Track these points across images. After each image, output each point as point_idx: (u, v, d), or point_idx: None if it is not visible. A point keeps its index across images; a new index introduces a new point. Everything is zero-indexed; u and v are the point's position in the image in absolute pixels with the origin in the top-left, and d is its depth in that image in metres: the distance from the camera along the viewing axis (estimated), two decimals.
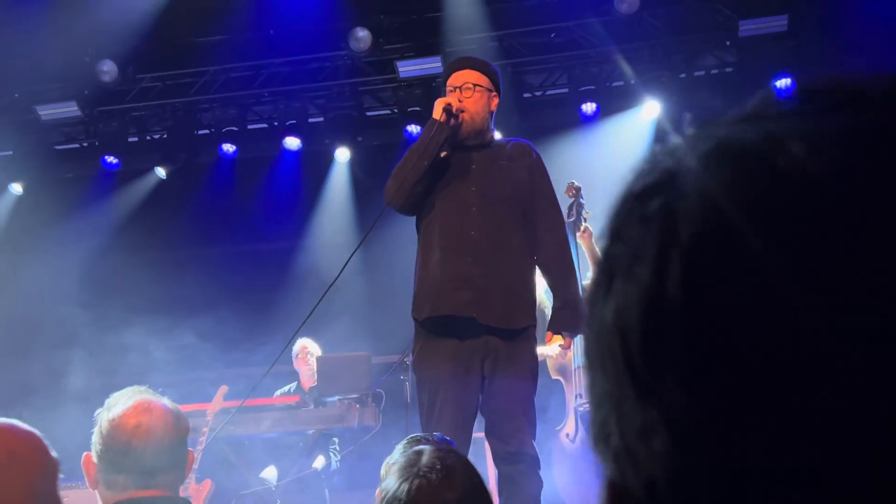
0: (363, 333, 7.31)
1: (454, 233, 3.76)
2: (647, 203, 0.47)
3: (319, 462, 6.12)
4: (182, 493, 5.59)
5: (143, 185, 8.51)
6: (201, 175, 8.46)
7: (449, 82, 3.94)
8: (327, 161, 8.33)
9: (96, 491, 2.07)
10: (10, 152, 8.39)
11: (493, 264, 3.73)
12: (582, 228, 5.64)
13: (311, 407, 6.02)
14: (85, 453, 2.05)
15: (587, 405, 5.00)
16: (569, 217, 5.72)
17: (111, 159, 8.26)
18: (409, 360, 5.56)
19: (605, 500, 0.48)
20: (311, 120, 8.23)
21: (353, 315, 7.52)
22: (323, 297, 4.13)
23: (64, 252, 8.13)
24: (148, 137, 8.53)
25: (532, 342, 3.82)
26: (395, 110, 8.22)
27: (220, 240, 8.44)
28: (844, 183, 0.41)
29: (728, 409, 0.41)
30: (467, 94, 3.85)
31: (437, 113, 3.78)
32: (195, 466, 5.71)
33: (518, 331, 3.72)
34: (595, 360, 0.48)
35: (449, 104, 3.77)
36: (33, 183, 8.47)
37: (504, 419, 3.66)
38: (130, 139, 8.44)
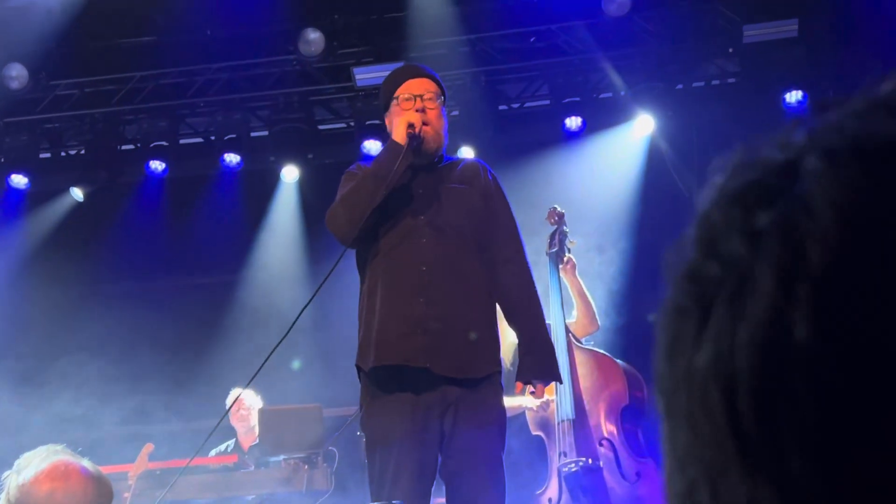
0: (313, 382, 7.27)
1: (402, 268, 3.72)
2: (755, 211, 0.42)
3: None
4: None
5: (57, 209, 8.43)
6: (125, 197, 8.41)
7: (402, 90, 3.88)
8: (272, 181, 8.31)
9: None
10: None
11: (448, 304, 3.69)
12: (565, 260, 5.68)
13: (252, 468, 5.96)
14: None
15: (574, 465, 5.03)
16: (550, 247, 5.77)
17: (19, 178, 8.16)
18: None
19: None
20: (253, 134, 8.22)
21: (301, 361, 7.48)
22: (277, 346, 4.08)
23: None
24: (63, 153, 8.47)
25: (498, 390, 3.78)
26: (352, 123, 8.24)
27: (147, 272, 8.37)
28: None
29: (874, 496, 0.37)
30: (431, 105, 3.82)
31: (401, 134, 3.72)
32: None
33: (480, 379, 3.70)
34: (678, 412, 0.43)
35: (412, 124, 3.71)
36: None
37: (465, 483, 3.63)
38: (42, 155, 8.37)
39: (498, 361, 3.84)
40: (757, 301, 0.40)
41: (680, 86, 7.74)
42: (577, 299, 5.71)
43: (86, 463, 2.07)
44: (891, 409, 0.37)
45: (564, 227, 5.82)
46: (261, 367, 4.16)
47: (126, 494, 5.71)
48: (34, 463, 2.03)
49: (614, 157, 7.87)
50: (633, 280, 7.04)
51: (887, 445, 0.37)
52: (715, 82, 7.93)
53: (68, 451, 2.09)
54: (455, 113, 8.11)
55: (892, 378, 0.37)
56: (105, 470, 5.76)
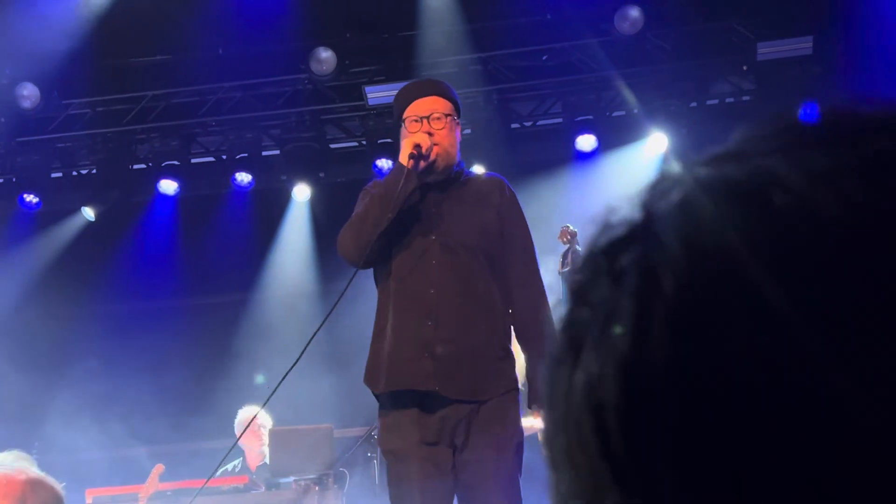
0: (323, 402, 7.26)
1: (412, 291, 3.68)
2: (616, 258, 0.47)
3: None
4: None
5: (68, 228, 8.47)
6: (137, 216, 8.45)
7: (409, 112, 3.78)
8: (284, 200, 8.34)
9: None
10: None
11: (457, 326, 3.65)
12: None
13: (262, 489, 5.95)
14: None
15: None
16: (563, 266, 5.75)
17: (31, 198, 8.21)
18: (376, 433, 5.54)
19: None
20: (265, 153, 8.25)
21: (312, 380, 7.47)
22: (290, 368, 4.08)
23: None
24: (74, 173, 8.52)
25: (513, 407, 3.71)
26: (363, 142, 8.27)
27: (158, 292, 8.39)
28: (858, 217, 0.41)
29: (735, 502, 0.40)
30: (438, 126, 3.73)
31: (405, 156, 3.64)
32: None
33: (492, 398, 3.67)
34: (559, 455, 0.46)
35: (418, 145, 3.61)
36: None
37: (477, 498, 3.60)
38: (54, 174, 8.42)
39: (513, 379, 3.81)
40: (618, 329, 0.43)
41: (694, 103, 7.74)
42: None
43: (33, 472, 2.03)
44: (748, 415, 0.40)
45: (577, 247, 5.80)
46: (276, 388, 4.12)
47: None
48: None
49: (627, 176, 7.86)
50: None
51: (747, 451, 0.40)
52: (729, 100, 7.93)
53: (27, 459, 2.06)
54: (467, 131, 8.13)
55: (750, 387, 0.40)
56: (115, 491, 5.79)
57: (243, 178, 8.12)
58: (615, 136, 7.82)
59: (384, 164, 7.95)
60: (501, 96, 7.98)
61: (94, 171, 8.42)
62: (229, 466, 6.67)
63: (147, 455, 6.84)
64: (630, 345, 0.43)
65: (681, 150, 7.63)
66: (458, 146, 3.83)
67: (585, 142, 7.79)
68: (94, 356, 7.91)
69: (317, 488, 5.72)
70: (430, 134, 3.69)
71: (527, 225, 3.91)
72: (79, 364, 7.78)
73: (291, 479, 5.85)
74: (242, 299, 8.29)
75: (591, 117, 7.89)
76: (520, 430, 3.73)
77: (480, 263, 3.75)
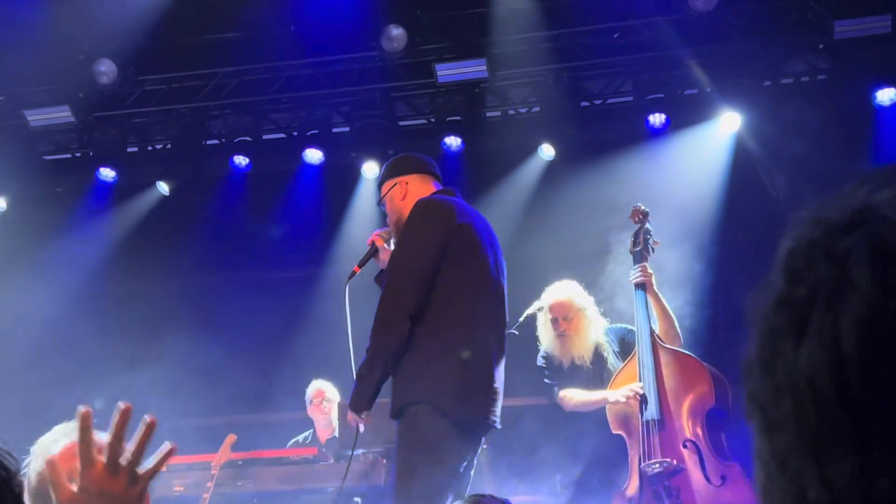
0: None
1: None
2: (834, 244, 0.54)
3: None
4: None
5: (143, 202, 8.65)
6: (209, 191, 8.59)
7: None
8: (353, 177, 8.42)
9: None
10: None
11: None
12: (647, 272, 5.65)
13: (331, 461, 6.06)
14: None
15: (657, 466, 5.00)
16: (634, 246, 5.77)
17: (107, 172, 8.41)
18: None
19: None
20: (335, 130, 8.34)
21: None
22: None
23: (51, 276, 8.29)
24: (150, 147, 8.68)
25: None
26: (432, 119, 8.32)
27: (230, 266, 8.54)
28: None
29: None
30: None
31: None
32: None
33: None
34: (778, 417, 0.53)
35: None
36: (18, 197, 8.65)
37: None
38: (130, 149, 8.59)
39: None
40: (856, 296, 0.50)
41: (768, 82, 7.65)
42: (658, 316, 5.67)
43: (102, 438, 2.08)
44: None
45: (648, 226, 5.82)
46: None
47: (209, 484, 5.87)
48: (49, 447, 2.01)
49: (699, 155, 7.81)
50: (719, 279, 6.99)
51: None
52: (804, 79, 7.82)
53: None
54: (536, 109, 8.15)
55: None
56: (188, 460, 5.95)
57: (313, 155, 8.21)
58: (686, 114, 7.76)
59: (453, 141, 8.01)
60: (572, 74, 7.97)
61: (169, 146, 8.58)
62: (300, 438, 6.81)
63: (220, 425, 7.00)
64: (870, 307, 0.50)
65: (754, 130, 7.55)
66: (404, 202, 4.51)
67: (656, 120, 7.74)
68: (168, 328, 8.10)
69: (384, 461, 5.82)
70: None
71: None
72: (153, 336, 7.97)
73: (360, 451, 5.95)
74: (312, 274, 8.40)
75: (662, 96, 7.84)
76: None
77: None
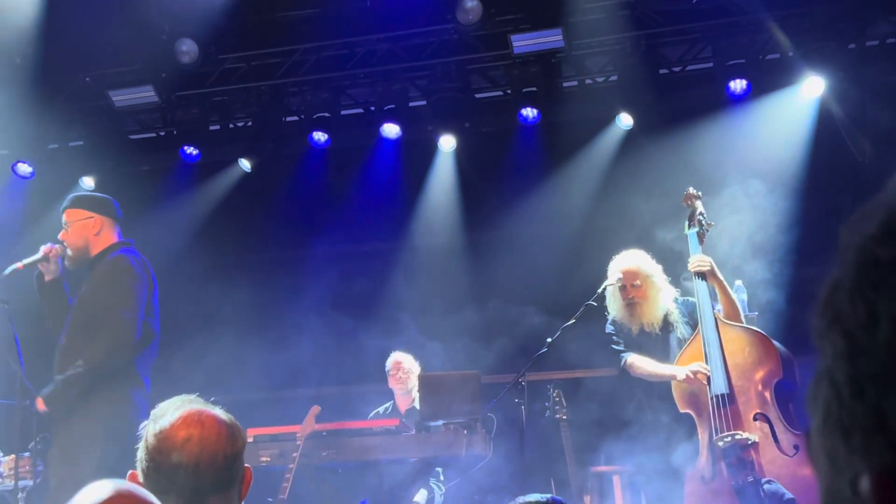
0: (470, 350, 7.38)
1: None
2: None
3: (421, 496, 6.23)
4: None
5: (226, 179, 8.79)
6: (290, 167, 8.69)
7: None
8: (430, 150, 8.44)
9: None
10: (81, 142, 8.81)
11: None
12: (704, 261, 5.55)
13: (412, 432, 6.11)
14: (130, 472, 2.10)
15: (728, 439, 4.94)
16: (689, 227, 5.70)
17: (191, 150, 8.56)
18: (524, 381, 5.62)
19: (877, 492, 0.54)
20: (412, 104, 8.35)
21: (459, 329, 7.61)
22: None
23: (143, 252, 8.48)
24: (231, 125, 8.82)
25: None
26: (508, 91, 8.27)
27: (310, 241, 8.64)
28: None
29: None
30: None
31: None
32: (284, 496, 5.90)
33: None
34: (869, 343, 0.55)
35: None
36: (105, 176, 8.85)
37: None
38: (212, 127, 8.74)
39: None
40: None
41: (852, 45, 7.42)
42: (722, 299, 5.58)
43: (219, 411, 2.15)
44: None
45: (701, 208, 5.76)
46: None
47: (294, 454, 5.97)
48: (169, 412, 2.11)
49: (781, 121, 7.64)
50: (801, 246, 6.85)
51: None
52: (890, 41, 7.57)
53: (200, 401, 2.18)
54: (613, 78, 8.04)
55: None
56: (274, 431, 6.06)
57: (390, 129, 8.24)
58: (768, 80, 7.58)
59: (529, 112, 7.95)
60: (650, 41, 7.84)
61: (250, 123, 8.69)
62: (381, 409, 6.88)
63: (304, 397, 7.10)
64: None
65: (838, 94, 7.35)
66: (97, 238, 5.34)
67: (737, 86, 7.58)
68: (251, 303, 8.24)
69: (465, 432, 5.84)
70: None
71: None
72: (237, 311, 8.11)
73: (441, 422, 5.99)
74: (392, 247, 8.45)
75: (742, 61, 7.67)
76: None
77: None
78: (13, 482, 6.83)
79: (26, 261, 5.34)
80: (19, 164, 8.61)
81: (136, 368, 5.22)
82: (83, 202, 5.47)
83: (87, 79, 8.49)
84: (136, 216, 8.63)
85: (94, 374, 5.07)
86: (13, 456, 6.90)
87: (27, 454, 7.20)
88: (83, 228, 5.36)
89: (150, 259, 8.49)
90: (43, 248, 5.33)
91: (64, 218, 5.43)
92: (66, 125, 8.67)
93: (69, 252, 5.34)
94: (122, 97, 8.38)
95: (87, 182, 8.91)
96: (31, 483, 7.19)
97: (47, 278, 5.30)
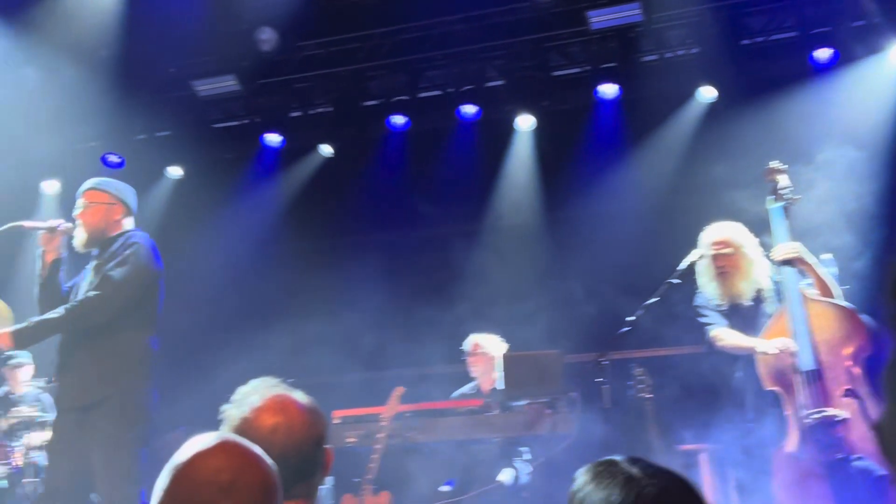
0: (552, 329, 7.37)
1: None
2: None
3: (506, 475, 6.25)
4: None
5: (308, 165, 8.90)
6: (370, 151, 8.76)
7: None
8: (508, 130, 8.42)
9: None
10: (168, 132, 9.01)
11: None
12: (791, 249, 5.41)
13: (496, 411, 6.13)
14: None
15: (817, 416, 4.85)
16: (775, 201, 5.56)
17: (273, 137, 8.69)
18: (605, 360, 5.59)
19: None
20: (489, 84, 8.34)
21: (541, 309, 7.60)
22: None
23: (225, 238, 8.67)
24: (312, 111, 8.92)
25: None
26: (587, 68, 8.19)
27: (392, 224, 8.70)
28: None
29: None
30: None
31: None
32: (370, 477, 5.99)
33: None
34: None
35: None
36: (192, 165, 9.06)
37: None
38: (293, 114, 8.87)
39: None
40: None
41: None
42: (815, 282, 5.44)
43: (299, 396, 2.16)
44: None
45: (785, 182, 5.62)
46: None
47: (380, 435, 6.05)
48: (252, 397, 2.12)
49: (869, 89, 7.43)
50: (893, 215, 6.67)
51: None
52: None
53: (282, 385, 2.18)
54: (694, 51, 7.90)
55: None
56: (359, 412, 6.14)
57: (468, 110, 8.24)
58: (854, 47, 7.37)
59: (608, 89, 7.88)
60: (731, 12, 7.69)
61: (330, 109, 8.77)
62: (464, 389, 6.91)
63: (388, 378, 7.17)
64: None
65: None
66: (116, 223, 5.17)
67: (822, 55, 7.39)
68: (335, 286, 8.34)
69: (549, 411, 5.84)
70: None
71: None
72: (320, 293, 8.23)
73: (524, 402, 6.00)
74: (471, 229, 8.47)
75: (828, 29, 7.47)
76: None
77: None
78: None
79: (33, 223, 5.25)
80: (109, 156, 8.86)
81: (151, 347, 5.12)
82: (109, 187, 5.31)
83: (172, 70, 8.66)
84: (221, 204, 8.85)
85: (71, 322, 4.91)
86: None
87: None
88: (105, 211, 5.20)
89: (236, 244, 8.73)
90: (53, 221, 5.21)
91: (83, 199, 5.23)
92: (152, 116, 8.88)
93: (83, 232, 5.17)
94: (205, 87, 8.55)
95: (174, 171, 9.12)
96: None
97: (49, 257, 5.15)
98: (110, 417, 4.83)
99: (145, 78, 8.61)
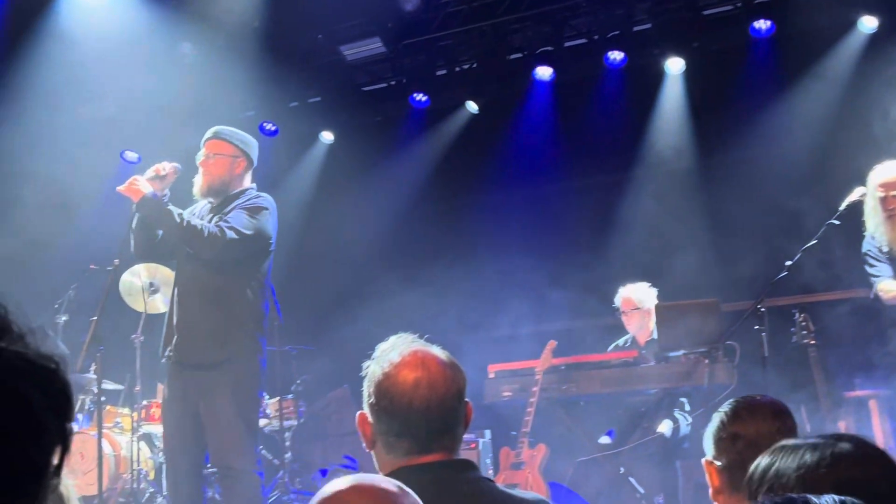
0: (707, 277, 7.22)
1: None
2: None
3: (665, 426, 6.20)
4: (514, 459, 5.93)
5: (455, 123, 8.96)
6: (516, 105, 8.73)
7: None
8: (657, 74, 8.22)
9: (372, 452, 2.17)
10: (319, 98, 9.24)
11: None
12: None
13: (652, 363, 6.09)
14: (359, 412, 2.18)
15: None
16: None
17: (420, 97, 8.78)
18: (763, 307, 5.45)
19: None
20: (636, 28, 8.15)
21: (695, 256, 7.46)
22: None
23: (376, 200, 8.86)
24: (457, 69, 8.95)
25: None
26: (738, 4, 7.90)
27: (540, 177, 8.67)
28: None
29: None
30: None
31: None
32: (526, 430, 6.07)
33: None
34: None
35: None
36: (342, 129, 9.27)
37: None
38: (439, 72, 8.93)
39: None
40: None
41: None
42: None
43: (437, 350, 2.20)
44: None
45: None
46: None
47: (534, 388, 6.12)
48: (392, 353, 2.15)
49: None
50: None
51: None
52: None
53: (420, 340, 2.23)
54: None
55: None
56: (513, 366, 6.21)
57: (615, 56, 8.09)
58: None
59: (762, 25, 7.59)
60: None
61: (475, 65, 8.78)
62: (620, 341, 6.88)
63: (541, 332, 7.20)
64: None
65: None
66: (239, 175, 5.22)
67: None
68: (484, 243, 8.41)
69: (707, 361, 5.76)
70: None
71: None
72: (470, 250, 8.31)
73: (681, 352, 5.94)
74: (622, 178, 8.35)
75: None
76: None
77: None
78: (279, 422, 7.41)
79: (157, 172, 5.05)
80: (265, 124, 9.16)
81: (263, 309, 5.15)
82: (235, 138, 5.25)
83: (319, 36, 8.84)
84: (372, 166, 9.02)
85: (188, 235, 4.89)
86: (277, 398, 7.48)
87: (290, 396, 7.79)
88: (230, 164, 5.17)
89: (385, 205, 8.91)
90: (172, 167, 5.05)
91: (207, 148, 5.19)
92: (303, 83, 9.10)
93: (205, 182, 5.13)
94: (352, 51, 8.72)
95: (327, 136, 9.35)
96: (294, 422, 7.77)
97: (122, 191, 4.97)
98: (230, 377, 4.94)
99: (295, 46, 8.83)
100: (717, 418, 2.37)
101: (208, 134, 5.26)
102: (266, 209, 5.14)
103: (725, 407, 2.39)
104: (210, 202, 5.23)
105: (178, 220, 4.92)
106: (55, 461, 1.03)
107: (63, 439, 1.03)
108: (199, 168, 5.21)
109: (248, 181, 5.28)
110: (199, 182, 5.18)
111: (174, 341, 5.06)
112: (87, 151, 8.40)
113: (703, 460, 2.35)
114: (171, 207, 4.97)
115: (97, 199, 8.13)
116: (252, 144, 5.34)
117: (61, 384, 1.04)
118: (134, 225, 5.08)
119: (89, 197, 8.23)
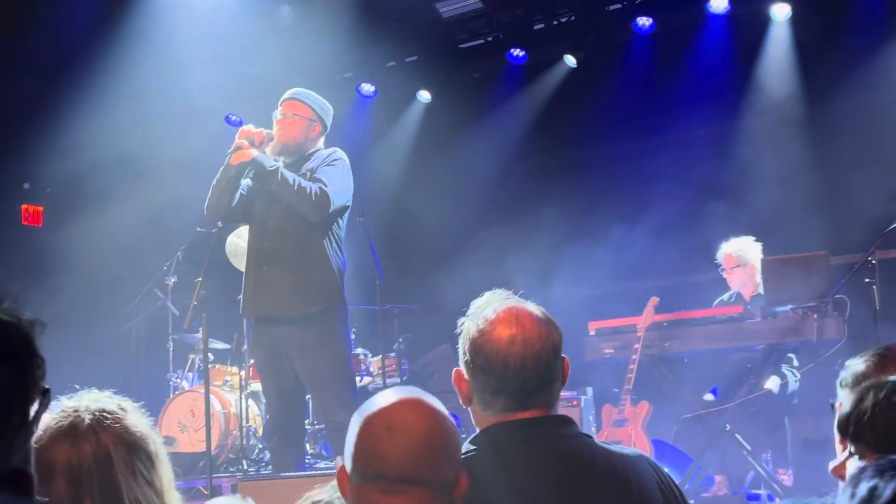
0: (814, 229, 7.05)
1: None
2: None
3: (772, 382, 6.10)
4: (617, 416, 5.93)
5: (553, 77, 8.88)
6: (615, 58, 8.60)
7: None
8: (762, 21, 7.99)
9: (469, 408, 2.19)
10: (416, 57, 9.26)
11: None
12: None
13: (758, 318, 5.99)
14: (455, 369, 2.19)
15: None
16: None
17: (517, 52, 8.71)
18: (874, 259, 5.30)
19: None
20: None
21: (803, 207, 7.28)
22: None
23: (474, 159, 8.86)
24: (555, 22, 8.84)
25: None
26: None
27: (641, 130, 8.54)
28: None
29: None
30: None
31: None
32: (629, 387, 6.05)
33: None
34: None
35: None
36: (439, 88, 9.27)
37: None
38: (536, 27, 8.83)
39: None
40: None
41: None
42: None
43: (532, 306, 2.20)
44: None
45: None
46: None
47: (636, 345, 6.08)
48: (487, 310, 2.15)
49: None
50: None
51: None
52: None
53: (514, 297, 2.23)
54: None
55: None
56: (615, 323, 6.19)
57: (718, 3, 7.89)
58: None
59: None
60: None
61: (573, 17, 8.67)
62: (725, 297, 6.78)
63: (634, 290, 7.15)
64: None
65: None
66: (313, 139, 5.32)
67: None
68: (580, 200, 8.35)
69: (815, 316, 5.65)
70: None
71: None
72: (567, 208, 8.27)
73: (788, 307, 5.82)
74: (726, 129, 8.17)
75: None
76: None
77: None
78: (382, 380, 7.54)
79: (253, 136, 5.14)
80: (363, 85, 9.24)
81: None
82: (313, 102, 5.34)
83: None
84: (469, 124, 9.02)
85: (291, 193, 4.99)
86: (380, 356, 7.61)
87: (393, 354, 7.91)
88: (306, 126, 5.27)
89: (484, 162, 8.91)
90: (264, 131, 5.17)
91: (284, 108, 5.29)
92: (400, 43, 9.13)
93: (279, 142, 5.21)
94: (448, 7, 8.71)
95: (424, 95, 9.37)
96: (398, 380, 7.89)
97: (236, 160, 5.08)
98: (321, 331, 5.07)
99: (391, 5, 8.85)
100: (857, 366, 2.24)
101: (287, 94, 5.36)
102: (347, 165, 5.28)
103: (864, 356, 2.26)
104: (283, 160, 5.28)
105: (292, 181, 5.05)
106: (30, 415, 1.10)
107: (23, 395, 1.09)
108: (274, 126, 5.29)
109: (321, 144, 5.39)
110: (276, 144, 5.25)
111: (259, 297, 5.16)
112: (196, 116, 8.65)
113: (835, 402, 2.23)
114: (277, 168, 5.10)
115: (207, 162, 8.37)
116: (328, 111, 5.43)
117: (21, 342, 1.10)
118: (227, 184, 5.15)
119: (200, 161, 8.48)
